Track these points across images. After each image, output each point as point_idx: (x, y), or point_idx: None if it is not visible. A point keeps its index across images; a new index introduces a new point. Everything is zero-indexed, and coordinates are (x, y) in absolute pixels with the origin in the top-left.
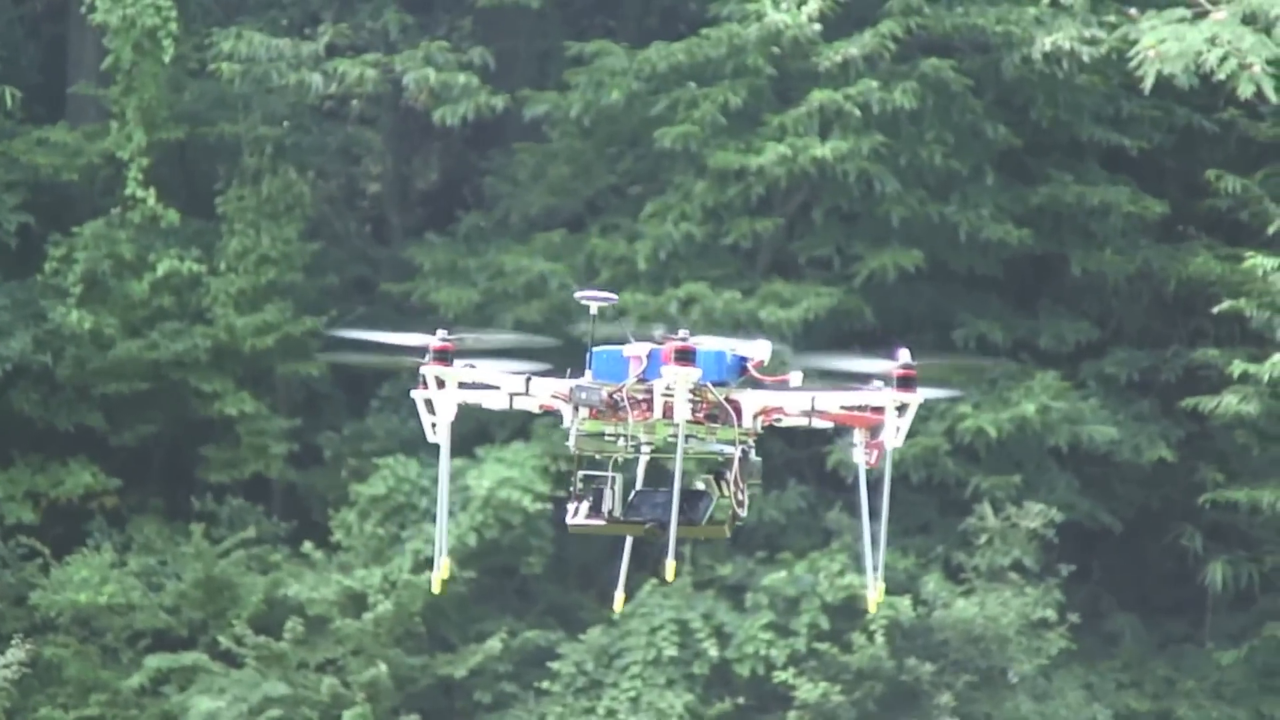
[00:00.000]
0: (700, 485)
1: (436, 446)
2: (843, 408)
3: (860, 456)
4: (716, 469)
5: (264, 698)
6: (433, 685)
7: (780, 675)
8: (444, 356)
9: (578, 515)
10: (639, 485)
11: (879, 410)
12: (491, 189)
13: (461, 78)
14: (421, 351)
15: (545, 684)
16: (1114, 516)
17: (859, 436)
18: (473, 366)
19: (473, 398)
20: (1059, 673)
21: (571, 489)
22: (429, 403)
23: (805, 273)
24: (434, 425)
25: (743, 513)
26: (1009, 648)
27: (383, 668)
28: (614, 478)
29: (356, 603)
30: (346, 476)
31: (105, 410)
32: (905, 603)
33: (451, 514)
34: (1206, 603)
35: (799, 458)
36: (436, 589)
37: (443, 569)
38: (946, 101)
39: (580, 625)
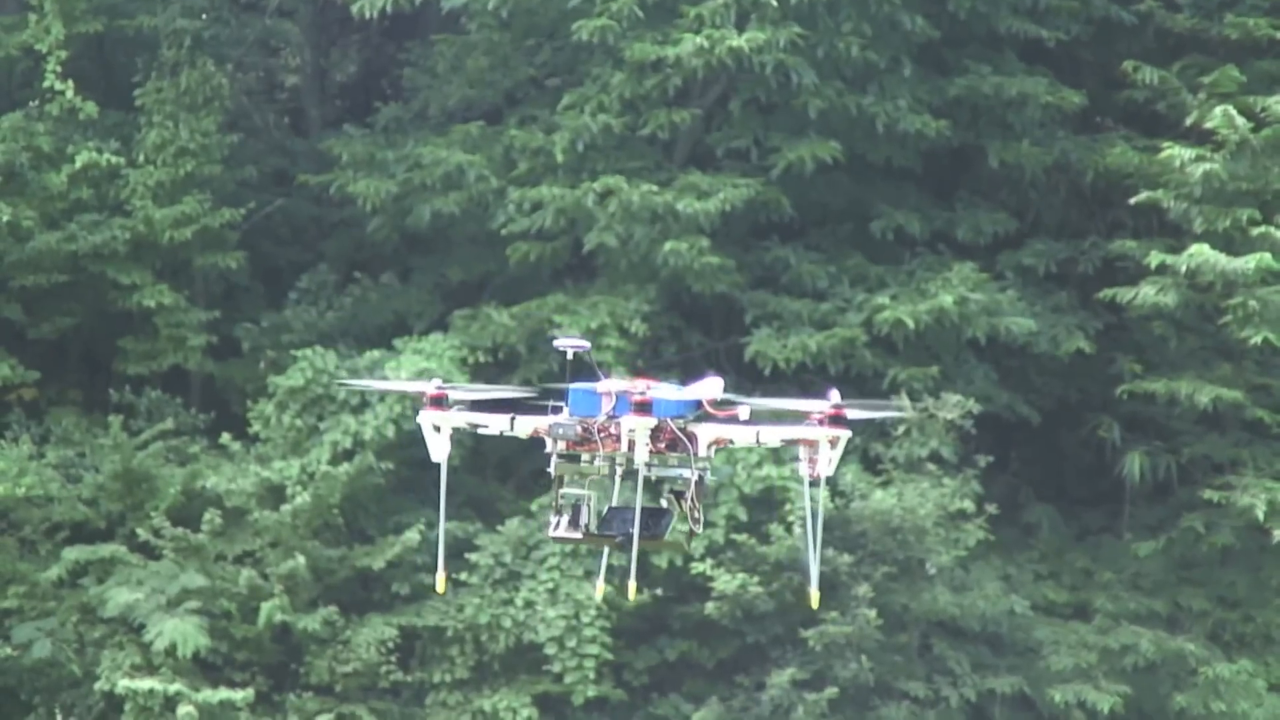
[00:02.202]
0: (664, 503)
1: (352, 338)
2: (783, 440)
3: (805, 472)
4: (677, 490)
5: (182, 589)
6: (350, 577)
7: (698, 567)
8: (439, 402)
9: (558, 528)
10: (613, 503)
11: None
12: (410, 81)
13: None
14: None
15: (463, 575)
16: (1032, 408)
17: (804, 454)
18: (465, 408)
19: (471, 424)
20: (977, 564)
21: (553, 505)
22: (436, 427)
23: (723, 164)
24: (435, 448)
25: (698, 529)
26: (926, 539)
27: (300, 559)
28: (589, 496)
29: (274, 494)
30: (264, 368)
31: (23, 302)
32: (823, 494)
33: (368, 405)
34: (1124, 494)
35: (717, 348)
36: (440, 589)
37: (440, 582)
38: None
39: (498, 517)
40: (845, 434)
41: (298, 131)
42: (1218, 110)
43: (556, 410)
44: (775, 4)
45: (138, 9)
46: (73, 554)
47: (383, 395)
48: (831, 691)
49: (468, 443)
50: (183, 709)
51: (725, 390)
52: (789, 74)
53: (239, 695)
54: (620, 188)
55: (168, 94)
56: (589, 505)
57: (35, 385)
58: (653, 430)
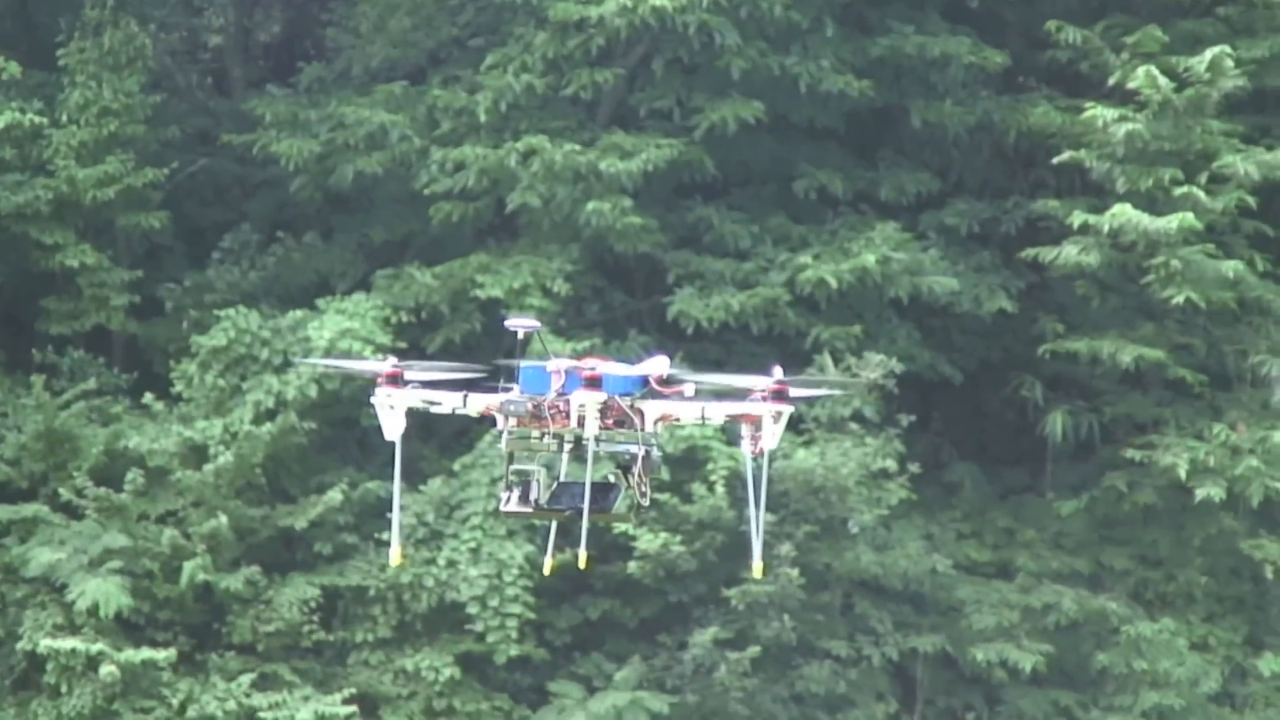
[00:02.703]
0: (611, 478)
1: (275, 298)
2: (727, 416)
3: (748, 448)
4: (624, 464)
5: (104, 549)
6: (273, 536)
7: (620, 526)
8: (394, 380)
9: (510, 503)
10: (562, 478)
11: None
12: (333, 41)
13: None
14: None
15: (386, 535)
16: (954, 367)
17: (747, 431)
18: (418, 387)
19: (425, 401)
20: (899, 523)
21: (505, 480)
22: (390, 406)
23: (646, 124)
24: (390, 426)
25: (645, 502)
26: (849, 498)
27: (223, 519)
28: (540, 471)
29: (197, 454)
30: (187, 328)
31: None
32: (745, 453)
33: (292, 366)
34: (1046, 453)
35: (640, 307)
36: (395, 563)
37: (396, 556)
38: None
39: (421, 476)
40: (788, 409)
41: (221, 91)
42: (1140, 70)
43: (508, 388)
44: None
45: None
46: None
47: (305, 355)
48: (754, 650)
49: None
50: (105, 669)
51: (652, 351)
52: (712, 34)
53: (161, 655)
54: (543, 148)
55: (91, 54)
56: (539, 480)
57: None
58: (601, 407)
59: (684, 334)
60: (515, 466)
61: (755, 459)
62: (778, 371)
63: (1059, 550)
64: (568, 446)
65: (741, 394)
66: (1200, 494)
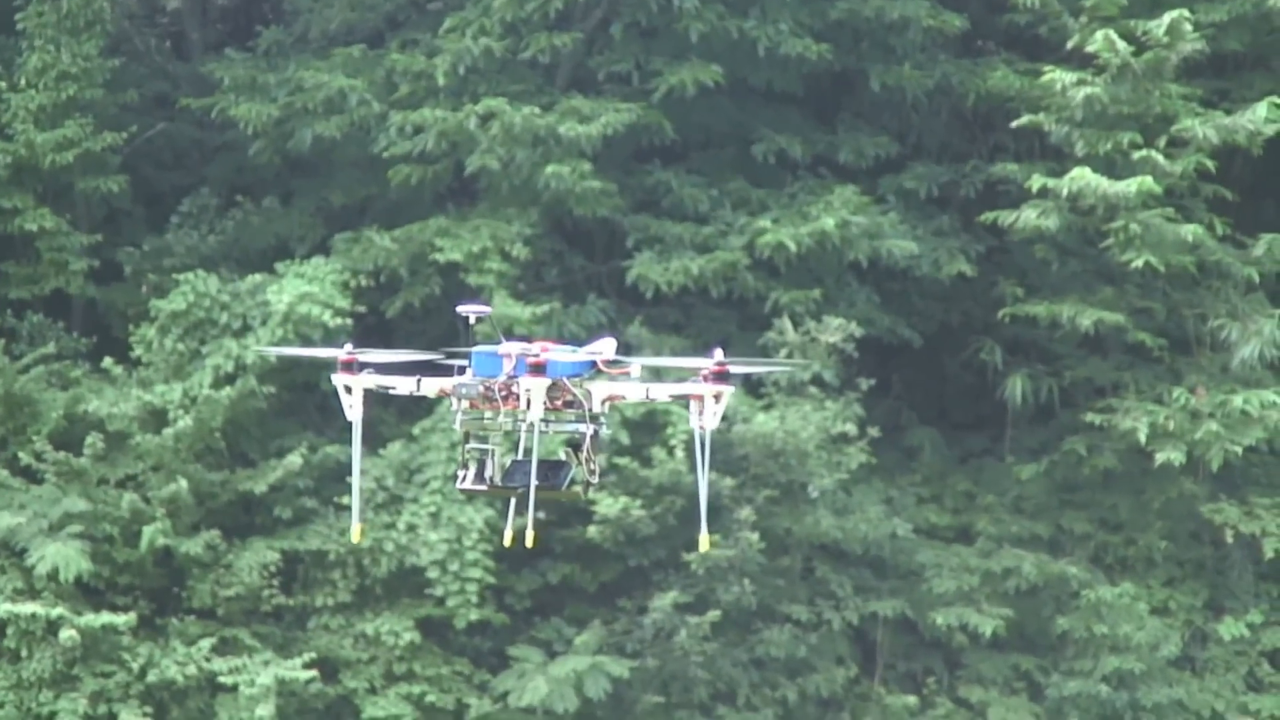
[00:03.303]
0: (562, 456)
1: (234, 262)
2: (671, 396)
3: (695, 424)
4: (574, 443)
5: (64, 513)
6: (233, 500)
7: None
8: (349, 366)
9: (465, 480)
10: (516, 457)
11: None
12: (291, 4)
13: None
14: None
15: (346, 500)
16: (914, 331)
17: (694, 406)
18: (374, 371)
19: (380, 385)
20: (859, 487)
21: (461, 459)
22: (347, 388)
23: (604, 88)
24: (349, 406)
25: (594, 480)
26: (809, 462)
27: (183, 483)
28: (493, 450)
29: (157, 418)
30: (147, 292)
31: None
32: (693, 427)
33: (250, 329)
34: (1006, 417)
35: (599, 271)
36: (356, 539)
37: (356, 532)
38: None
39: (380, 440)
40: (729, 389)
41: (179, 55)
42: (1099, 34)
43: (461, 371)
44: None
45: None
46: None
47: (265, 319)
48: (714, 615)
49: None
50: (65, 633)
51: (605, 311)
52: None
53: (121, 619)
54: (502, 110)
55: (49, 18)
56: (493, 459)
57: None
58: (550, 388)
59: (643, 298)
60: (470, 445)
61: (701, 433)
62: (719, 353)
63: (1019, 514)
64: (520, 426)
65: (685, 375)
66: (1160, 458)
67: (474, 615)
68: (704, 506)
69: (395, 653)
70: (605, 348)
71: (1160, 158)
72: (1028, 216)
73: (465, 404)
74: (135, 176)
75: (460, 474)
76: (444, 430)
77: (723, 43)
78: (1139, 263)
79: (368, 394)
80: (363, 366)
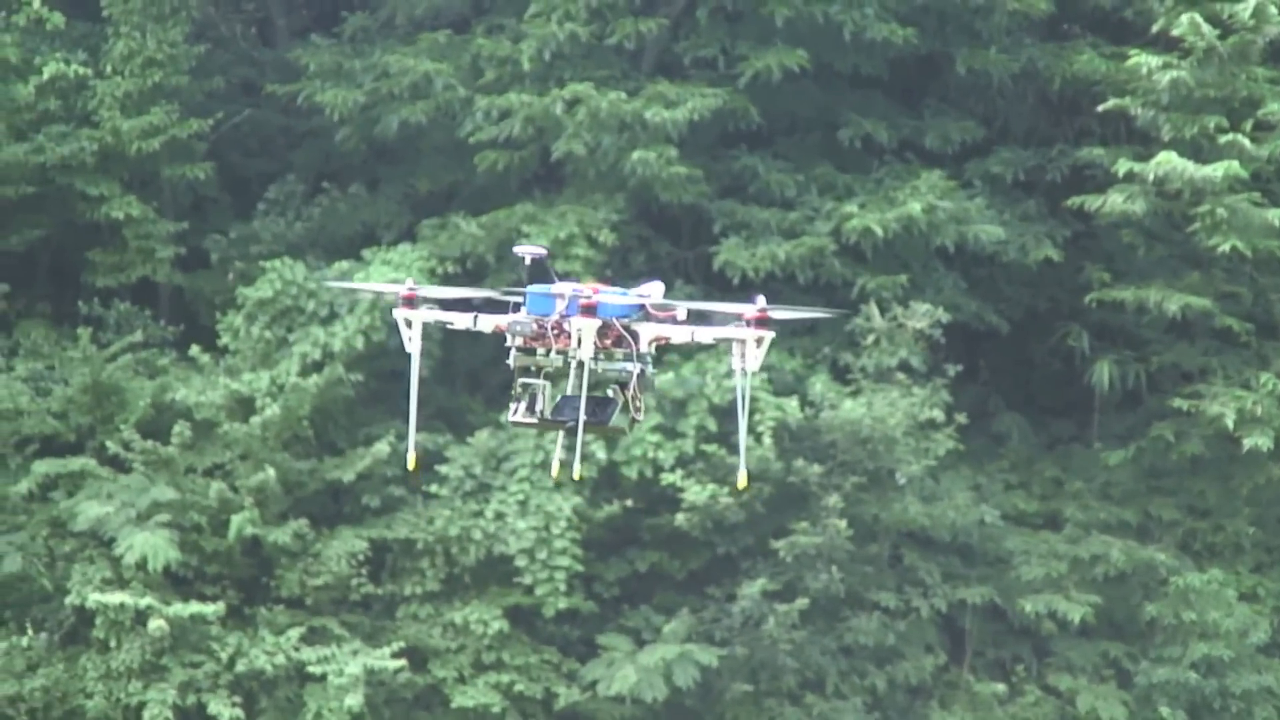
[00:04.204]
0: (610, 393)
1: (321, 249)
2: (715, 339)
3: (737, 365)
4: (622, 381)
5: (152, 502)
6: (321, 489)
7: (668, 477)
8: (410, 302)
9: (517, 414)
10: (566, 393)
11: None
12: None
13: None
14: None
15: (433, 488)
16: (1001, 316)
17: (736, 349)
18: (434, 307)
19: (439, 320)
20: (947, 474)
21: (513, 393)
22: (408, 322)
23: (690, 73)
24: (409, 339)
25: (640, 417)
26: (896, 449)
27: (270, 472)
28: (545, 385)
29: (244, 406)
30: (233, 280)
31: None
32: (793, 404)
33: (337, 316)
34: (1093, 403)
35: (686, 257)
36: (411, 466)
37: (412, 459)
38: None
39: (468, 428)
40: (769, 334)
41: (265, 41)
42: (1184, 17)
43: (517, 309)
44: None
45: None
46: (42, 467)
47: (352, 307)
48: (802, 602)
49: (436, 353)
50: (154, 623)
51: (692, 297)
52: None
53: (210, 609)
54: (588, 95)
55: (135, 4)
56: (544, 394)
57: (4, 298)
58: (600, 328)
59: (730, 284)
60: (522, 381)
61: (743, 375)
62: (760, 300)
63: (1106, 501)
64: (570, 363)
65: (728, 319)
66: (1248, 443)
67: (562, 604)
68: (744, 446)
69: (484, 641)
70: (654, 291)
71: (1246, 141)
72: (1114, 201)
73: (519, 340)
74: (221, 163)
75: (512, 407)
76: None
77: (808, 27)
78: (1225, 247)
79: (451, 366)
80: (423, 302)
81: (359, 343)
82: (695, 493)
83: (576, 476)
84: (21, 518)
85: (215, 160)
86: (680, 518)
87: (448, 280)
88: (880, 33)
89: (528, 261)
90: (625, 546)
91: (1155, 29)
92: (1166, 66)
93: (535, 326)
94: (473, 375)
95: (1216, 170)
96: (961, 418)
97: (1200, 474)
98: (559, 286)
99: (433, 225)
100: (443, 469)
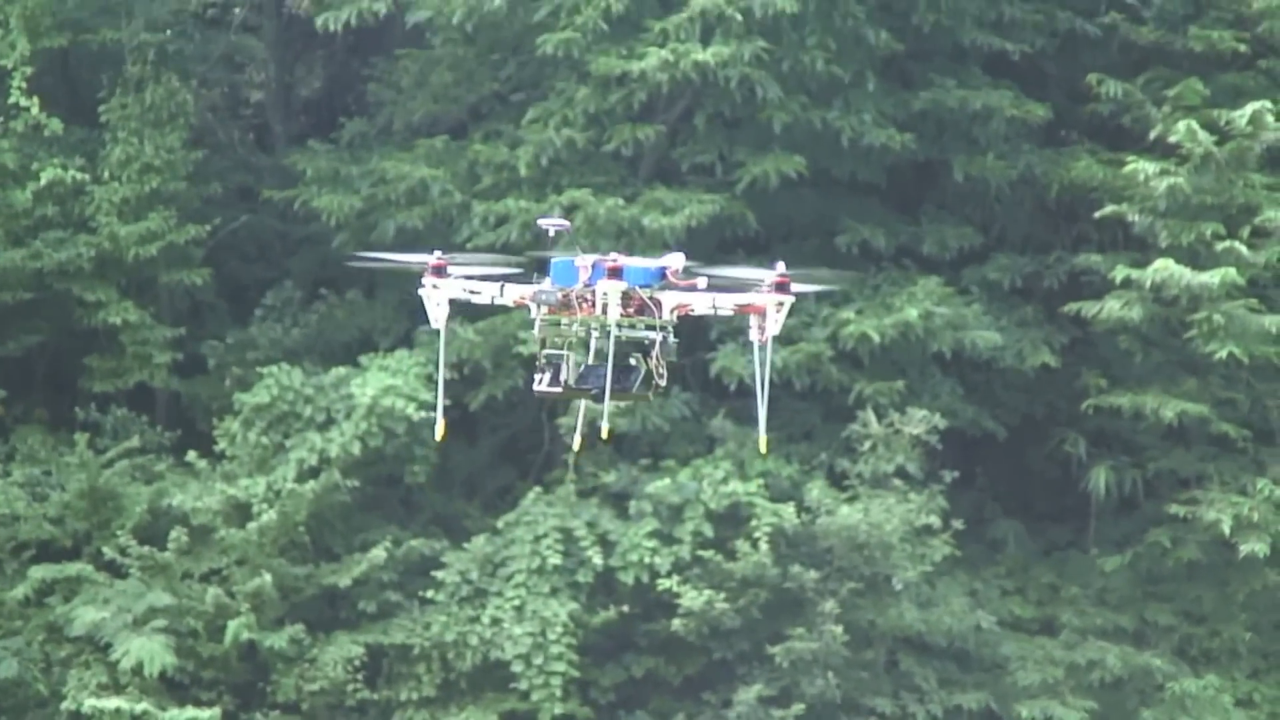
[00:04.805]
0: (633, 362)
1: (318, 355)
2: (736, 306)
3: (755, 335)
4: (644, 349)
5: (148, 608)
6: (317, 595)
7: (664, 583)
8: (439, 271)
9: (542, 384)
10: (589, 362)
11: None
12: (374, 96)
13: None
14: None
15: (430, 593)
16: (997, 422)
17: (754, 321)
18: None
19: (464, 295)
20: (943, 579)
21: (537, 363)
22: (434, 295)
23: (687, 179)
24: (435, 315)
25: (662, 383)
26: (893, 554)
27: (267, 577)
28: (569, 355)
29: (241, 512)
30: (230, 385)
31: None
32: (789, 510)
33: (334, 422)
34: (1090, 509)
35: (682, 364)
36: (439, 437)
37: (440, 430)
38: (828, 6)
39: (464, 534)
40: (789, 299)
41: (262, 147)
42: (1182, 124)
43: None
44: (740, 18)
45: (102, 23)
46: (39, 572)
47: (348, 413)
48: (798, 708)
49: (434, 460)
50: None
51: (689, 404)
52: (753, 88)
53: (206, 714)
54: (586, 202)
55: (132, 110)
56: (568, 363)
57: (1, 403)
58: (623, 295)
59: (727, 390)
60: (547, 351)
61: (761, 345)
62: (780, 265)
63: (1103, 606)
64: (594, 333)
65: (748, 287)
66: (1244, 549)
67: (558, 709)
68: (763, 413)
69: None
70: (675, 260)
71: (1243, 248)
72: (1111, 307)
73: (544, 310)
74: (219, 269)
75: (538, 377)
76: (528, 524)
77: (806, 133)
78: (1222, 353)
79: (454, 466)
80: (449, 273)
81: (355, 449)
82: (691, 598)
83: (604, 436)
84: (18, 623)
85: (213, 266)
86: (676, 623)
87: (446, 388)
88: (878, 139)
89: (551, 234)
90: (621, 652)
91: (1153, 135)
92: (1164, 173)
93: (560, 296)
94: (469, 481)
95: (1214, 277)
96: (958, 523)
97: (1197, 580)
98: (582, 257)
99: (430, 331)
100: (439, 575)
